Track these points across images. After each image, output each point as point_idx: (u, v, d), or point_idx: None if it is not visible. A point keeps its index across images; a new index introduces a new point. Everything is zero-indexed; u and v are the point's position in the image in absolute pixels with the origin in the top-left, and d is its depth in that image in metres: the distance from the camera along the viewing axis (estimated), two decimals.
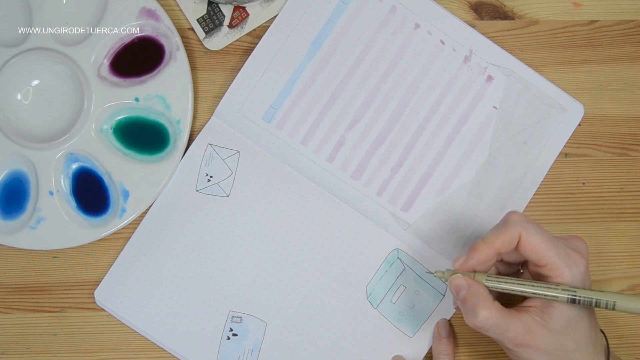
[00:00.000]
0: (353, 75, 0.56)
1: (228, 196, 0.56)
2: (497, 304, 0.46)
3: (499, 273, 0.51)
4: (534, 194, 0.57)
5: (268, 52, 0.56)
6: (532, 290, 0.46)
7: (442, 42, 0.56)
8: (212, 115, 0.56)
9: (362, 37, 0.56)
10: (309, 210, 0.56)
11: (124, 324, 0.55)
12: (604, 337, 0.50)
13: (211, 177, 0.56)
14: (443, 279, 0.49)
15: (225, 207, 0.56)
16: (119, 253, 0.56)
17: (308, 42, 0.56)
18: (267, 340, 0.55)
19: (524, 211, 0.56)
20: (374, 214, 0.56)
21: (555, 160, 0.57)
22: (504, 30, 0.57)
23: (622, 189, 0.57)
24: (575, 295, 0.45)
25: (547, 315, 0.47)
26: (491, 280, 0.47)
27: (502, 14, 0.58)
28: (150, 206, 0.56)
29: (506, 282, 0.47)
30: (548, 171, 0.57)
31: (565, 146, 0.57)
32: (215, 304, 0.55)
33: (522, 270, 0.51)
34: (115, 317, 0.55)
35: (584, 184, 0.57)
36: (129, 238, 0.56)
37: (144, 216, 0.56)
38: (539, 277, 0.48)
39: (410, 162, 0.56)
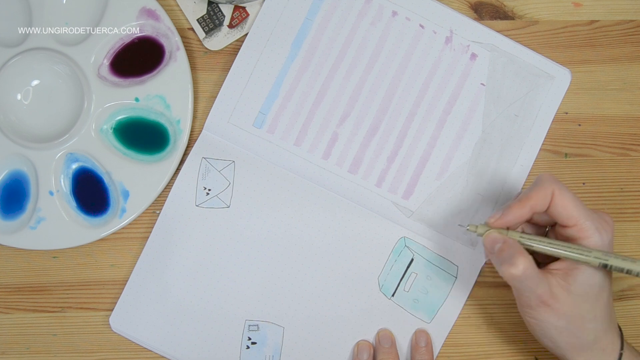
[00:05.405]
0: (337, 70, 0.56)
1: (229, 207, 0.56)
2: (531, 257, 0.47)
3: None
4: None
5: (250, 59, 0.56)
6: (565, 252, 0.46)
7: (422, 26, 0.56)
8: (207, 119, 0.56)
9: (342, 31, 0.56)
10: (310, 210, 0.56)
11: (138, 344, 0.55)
12: (619, 328, 0.50)
13: (209, 190, 0.56)
14: (476, 234, 0.49)
15: (227, 218, 0.56)
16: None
17: (288, 43, 0.56)
18: (286, 344, 0.55)
19: (524, 184, 0.56)
20: (376, 205, 0.56)
21: (555, 160, 0.57)
22: (504, 30, 0.57)
23: (622, 189, 0.57)
24: (607, 261, 0.44)
25: (570, 278, 0.47)
26: (524, 238, 0.47)
27: (502, 14, 0.58)
28: (153, 227, 0.55)
29: (539, 242, 0.47)
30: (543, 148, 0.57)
31: (565, 146, 0.57)
32: (230, 315, 0.55)
33: (547, 234, 0.51)
34: (133, 342, 0.55)
35: (584, 184, 0.57)
36: (135, 263, 0.55)
37: (143, 218, 0.56)
38: (566, 240, 0.48)
39: (405, 150, 0.56)
